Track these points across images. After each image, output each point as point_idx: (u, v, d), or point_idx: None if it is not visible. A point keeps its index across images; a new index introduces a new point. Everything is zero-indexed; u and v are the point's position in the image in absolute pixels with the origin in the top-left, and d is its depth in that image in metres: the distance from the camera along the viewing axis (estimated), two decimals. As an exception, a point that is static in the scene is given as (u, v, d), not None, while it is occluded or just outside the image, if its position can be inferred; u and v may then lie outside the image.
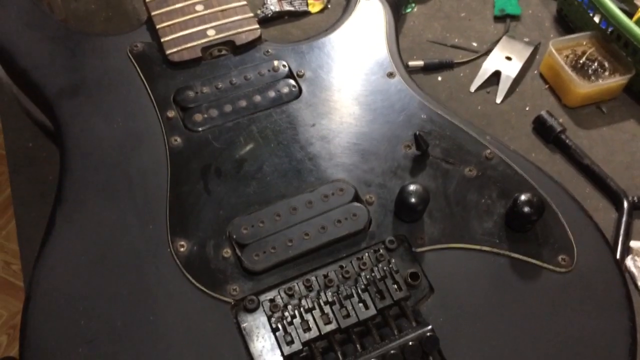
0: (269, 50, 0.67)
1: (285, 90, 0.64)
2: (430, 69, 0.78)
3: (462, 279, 0.52)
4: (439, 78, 0.78)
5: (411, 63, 0.77)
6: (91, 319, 0.49)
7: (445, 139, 0.61)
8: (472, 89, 0.77)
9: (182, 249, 0.53)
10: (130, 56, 0.65)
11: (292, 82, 0.65)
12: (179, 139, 0.60)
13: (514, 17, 0.84)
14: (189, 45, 0.65)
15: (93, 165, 0.57)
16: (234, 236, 0.54)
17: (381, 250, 0.53)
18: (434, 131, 0.61)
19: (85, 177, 0.56)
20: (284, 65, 0.66)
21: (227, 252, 0.53)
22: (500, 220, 0.56)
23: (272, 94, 0.64)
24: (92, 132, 0.60)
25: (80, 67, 0.64)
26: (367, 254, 0.53)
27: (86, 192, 0.56)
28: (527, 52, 0.79)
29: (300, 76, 0.65)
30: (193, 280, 0.51)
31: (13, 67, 0.64)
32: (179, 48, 0.65)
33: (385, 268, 0.52)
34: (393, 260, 0.52)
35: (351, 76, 0.66)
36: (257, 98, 0.63)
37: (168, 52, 0.65)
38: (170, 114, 0.62)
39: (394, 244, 0.54)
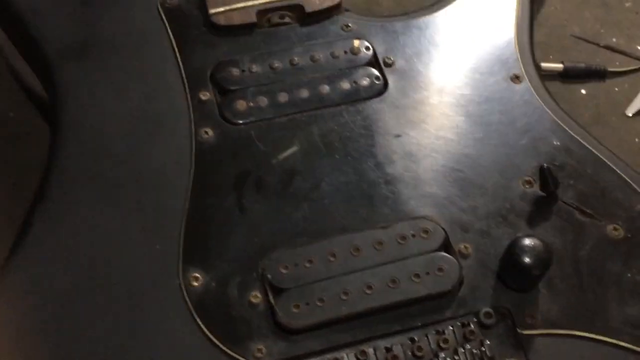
0: (349, 25, 0.68)
1: (365, 82, 0.64)
2: (572, 75, 0.77)
3: (585, 382, 0.51)
4: (583, 91, 0.77)
5: (546, 65, 0.77)
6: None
7: (585, 179, 0.60)
8: (630, 112, 0.75)
9: (195, 283, 0.53)
10: (161, 11, 0.67)
11: (375, 72, 0.65)
12: (210, 132, 0.61)
13: None
14: (241, 5, 0.66)
15: (93, 154, 0.59)
16: (269, 275, 0.54)
17: (472, 325, 0.53)
18: (569, 165, 0.60)
19: (80, 168, 0.58)
20: (367, 48, 0.66)
21: (256, 296, 0.53)
22: (651, 307, 0.54)
23: (345, 85, 0.64)
24: (97, 108, 0.61)
25: (92, 20, 0.66)
26: (451, 327, 0.52)
27: (79, 188, 0.57)
28: None
29: (389, 65, 0.66)
30: (204, 328, 0.52)
31: (5, 10, 0.66)
32: (228, 7, 0.66)
33: (475, 351, 0.51)
34: (487, 342, 0.52)
35: (459, 73, 0.66)
36: (325, 88, 0.64)
37: (212, 11, 0.66)
38: (204, 95, 0.63)
39: (491, 318, 0.53)
